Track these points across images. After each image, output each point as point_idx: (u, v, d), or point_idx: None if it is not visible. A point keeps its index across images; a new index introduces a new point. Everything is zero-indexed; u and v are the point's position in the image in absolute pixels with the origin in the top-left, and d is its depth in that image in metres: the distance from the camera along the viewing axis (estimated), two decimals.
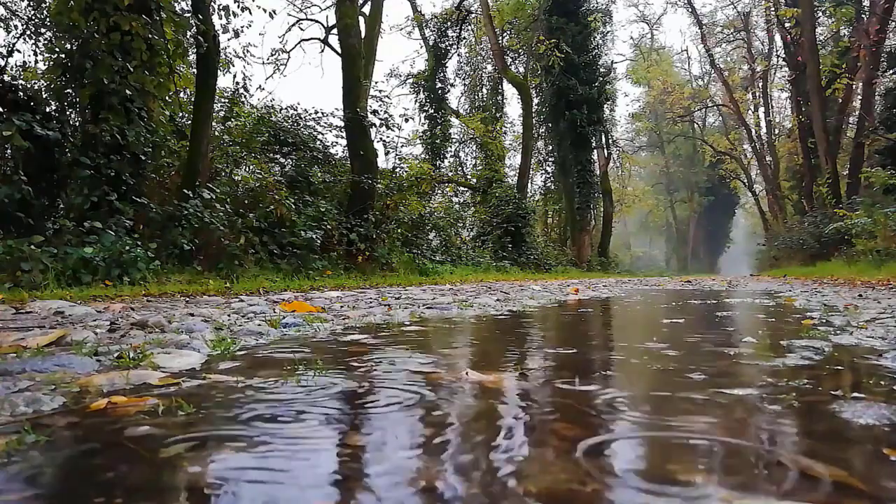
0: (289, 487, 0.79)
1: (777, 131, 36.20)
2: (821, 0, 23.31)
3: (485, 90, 29.49)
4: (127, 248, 6.41)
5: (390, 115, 14.82)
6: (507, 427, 1.10)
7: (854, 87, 22.34)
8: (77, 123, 7.97)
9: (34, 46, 9.34)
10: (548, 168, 30.87)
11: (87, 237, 6.53)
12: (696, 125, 46.79)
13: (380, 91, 16.68)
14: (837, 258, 16.46)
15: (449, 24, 27.76)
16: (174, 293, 5.76)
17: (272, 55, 22.53)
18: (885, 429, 1.06)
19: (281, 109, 14.43)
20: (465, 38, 28.82)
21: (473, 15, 27.80)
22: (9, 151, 6.92)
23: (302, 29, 25.37)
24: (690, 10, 34.82)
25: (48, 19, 8.95)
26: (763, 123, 36.76)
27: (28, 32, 9.28)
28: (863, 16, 21.94)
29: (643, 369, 1.73)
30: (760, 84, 35.56)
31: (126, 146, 7.44)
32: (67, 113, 8.07)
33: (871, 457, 0.93)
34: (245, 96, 13.70)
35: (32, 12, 9.44)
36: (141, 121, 7.79)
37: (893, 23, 20.17)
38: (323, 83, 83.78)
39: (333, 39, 19.73)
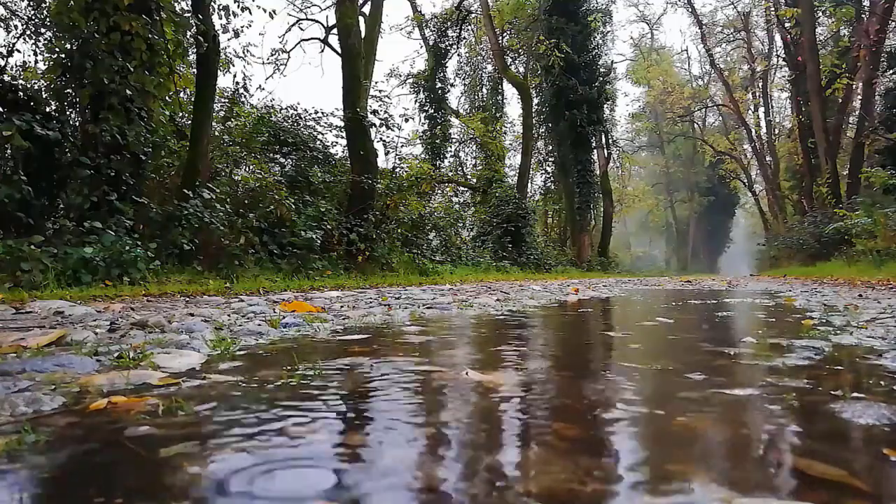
0: (289, 487, 0.79)
1: (777, 131, 36.25)
2: (821, 0, 23.31)
3: (485, 90, 29.50)
4: (127, 248, 6.41)
5: (390, 115, 14.81)
6: (507, 426, 1.10)
7: (854, 87, 22.35)
8: (77, 123, 7.96)
9: (34, 46, 9.36)
10: (548, 168, 30.89)
11: (87, 237, 6.52)
12: (696, 125, 46.80)
13: (380, 91, 16.71)
14: (837, 258, 16.46)
15: (449, 24, 27.75)
16: (174, 293, 5.76)
17: (272, 55, 22.56)
18: (885, 429, 1.06)
19: (281, 109, 14.45)
20: (465, 38, 28.83)
21: (473, 15, 27.80)
22: (9, 151, 6.92)
23: (302, 29, 25.40)
24: (690, 10, 34.86)
25: (48, 19, 8.95)
26: (763, 123, 36.84)
27: (28, 32, 9.29)
28: (863, 16, 21.94)
29: (643, 369, 1.73)
30: (760, 84, 35.60)
31: (126, 146, 7.43)
32: (67, 113, 8.06)
33: (871, 457, 0.93)
34: (245, 96, 13.73)
35: (32, 12, 9.44)
36: (141, 121, 7.79)
37: (893, 23, 20.18)
38: (323, 83, 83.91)
39: (333, 39, 19.74)
